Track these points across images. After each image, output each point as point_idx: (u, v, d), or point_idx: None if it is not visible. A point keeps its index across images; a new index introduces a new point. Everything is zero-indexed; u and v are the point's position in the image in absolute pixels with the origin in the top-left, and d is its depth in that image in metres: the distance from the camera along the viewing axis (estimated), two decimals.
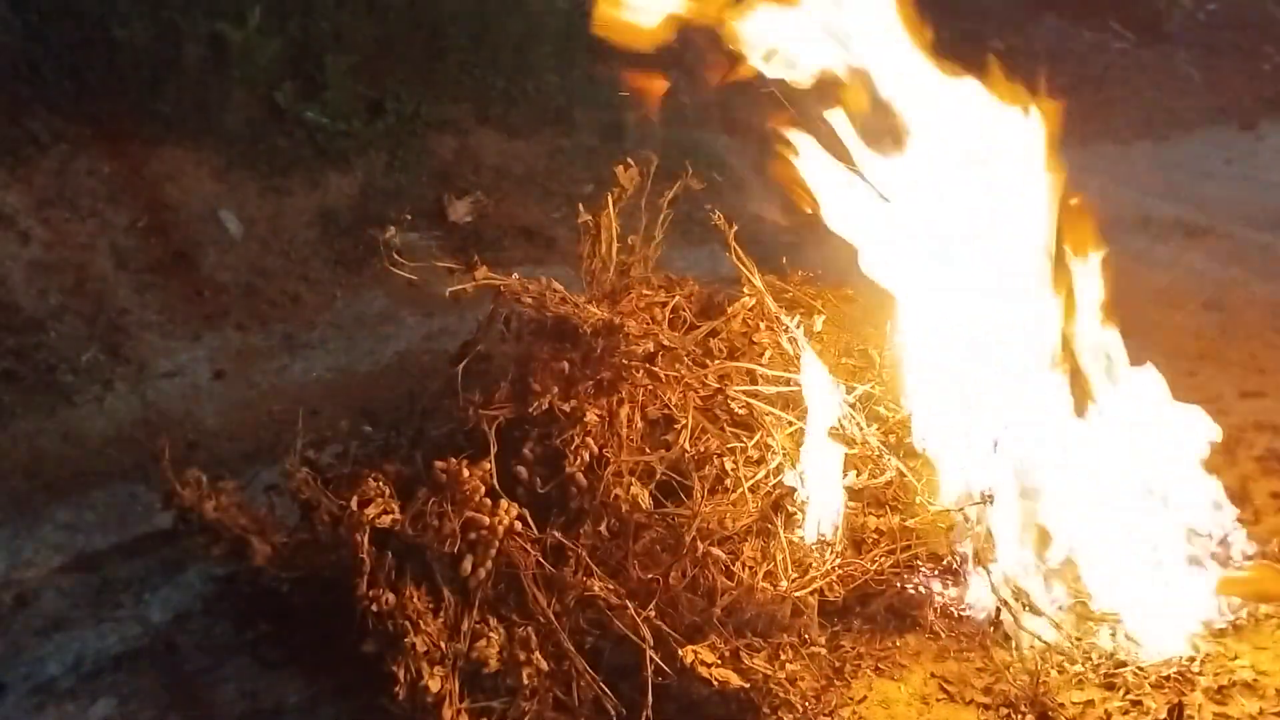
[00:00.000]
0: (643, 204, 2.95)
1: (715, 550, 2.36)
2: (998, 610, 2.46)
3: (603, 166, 3.06)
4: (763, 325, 2.87)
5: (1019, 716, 2.28)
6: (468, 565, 2.31)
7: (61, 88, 4.57)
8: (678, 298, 2.92)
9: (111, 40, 4.65)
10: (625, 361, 2.56)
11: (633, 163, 2.92)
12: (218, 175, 4.66)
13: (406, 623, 2.28)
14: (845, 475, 2.60)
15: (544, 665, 2.26)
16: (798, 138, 2.70)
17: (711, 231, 3.08)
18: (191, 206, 4.52)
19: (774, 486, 2.52)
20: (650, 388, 2.57)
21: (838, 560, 2.48)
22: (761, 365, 2.74)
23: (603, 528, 2.41)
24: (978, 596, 2.52)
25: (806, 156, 2.69)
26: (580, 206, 2.96)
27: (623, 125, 5.30)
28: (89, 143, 4.52)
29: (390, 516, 2.37)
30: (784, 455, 2.57)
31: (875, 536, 2.57)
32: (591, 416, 2.48)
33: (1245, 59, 7.41)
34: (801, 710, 2.25)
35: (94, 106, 4.59)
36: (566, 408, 2.52)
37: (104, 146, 4.54)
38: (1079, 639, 2.45)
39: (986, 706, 2.32)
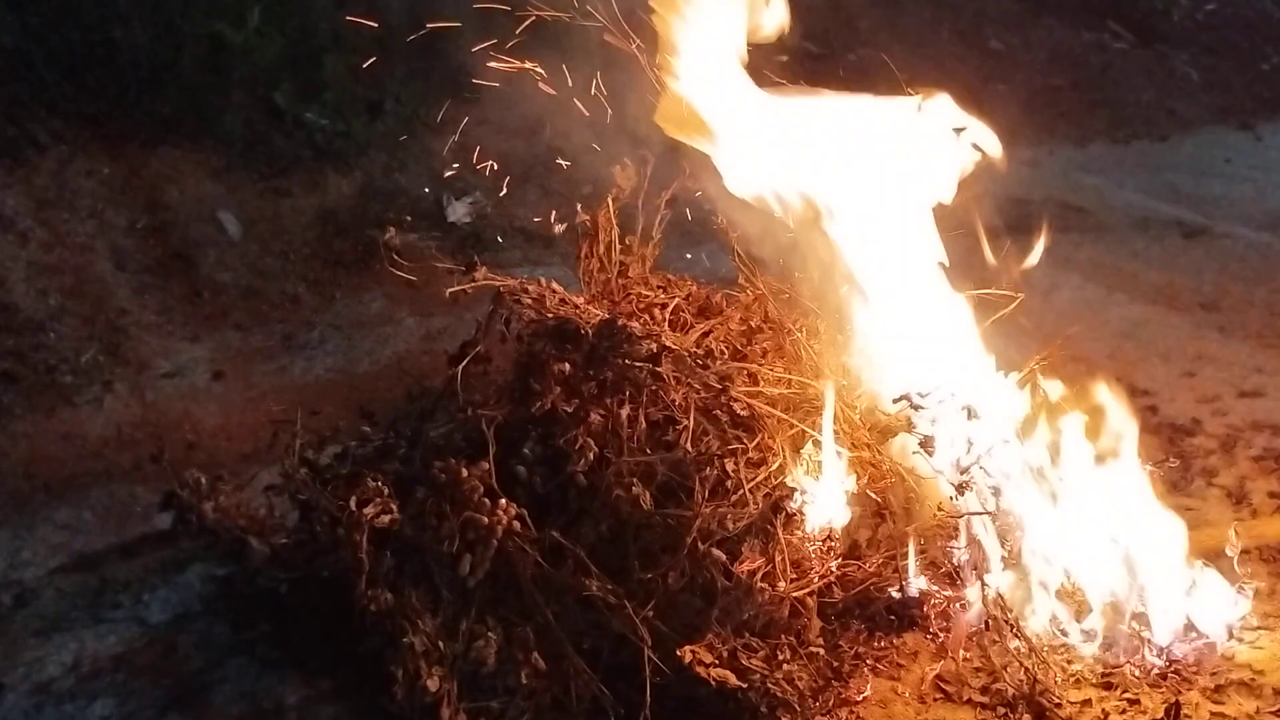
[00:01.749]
0: (639, 204, 2.95)
1: (715, 551, 2.36)
2: (988, 621, 2.46)
3: (601, 167, 3.06)
4: (765, 327, 2.87)
5: (1016, 716, 2.28)
6: (466, 565, 2.31)
7: (61, 89, 4.58)
8: (677, 299, 2.92)
9: (111, 41, 4.66)
10: (628, 362, 2.56)
11: (630, 163, 2.92)
12: (217, 176, 4.66)
13: (405, 622, 2.28)
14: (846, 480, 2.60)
15: (542, 665, 2.26)
16: None
17: (710, 231, 3.09)
18: (190, 207, 4.53)
19: (774, 488, 2.52)
20: (653, 389, 2.57)
21: (837, 561, 2.48)
22: (764, 366, 2.74)
23: (603, 528, 2.41)
24: (975, 598, 2.52)
25: None
26: (579, 207, 2.96)
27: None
28: (88, 144, 4.53)
29: (389, 516, 2.37)
30: (785, 457, 2.57)
31: (874, 544, 2.57)
32: (595, 417, 2.48)
33: (1244, 59, 7.42)
34: (799, 710, 2.25)
35: (93, 107, 4.60)
36: (569, 408, 2.52)
37: (103, 147, 4.55)
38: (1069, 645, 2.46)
39: (984, 706, 2.33)
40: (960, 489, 2.50)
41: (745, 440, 2.56)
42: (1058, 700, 2.29)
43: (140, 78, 4.68)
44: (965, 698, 2.35)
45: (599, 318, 2.65)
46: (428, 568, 2.36)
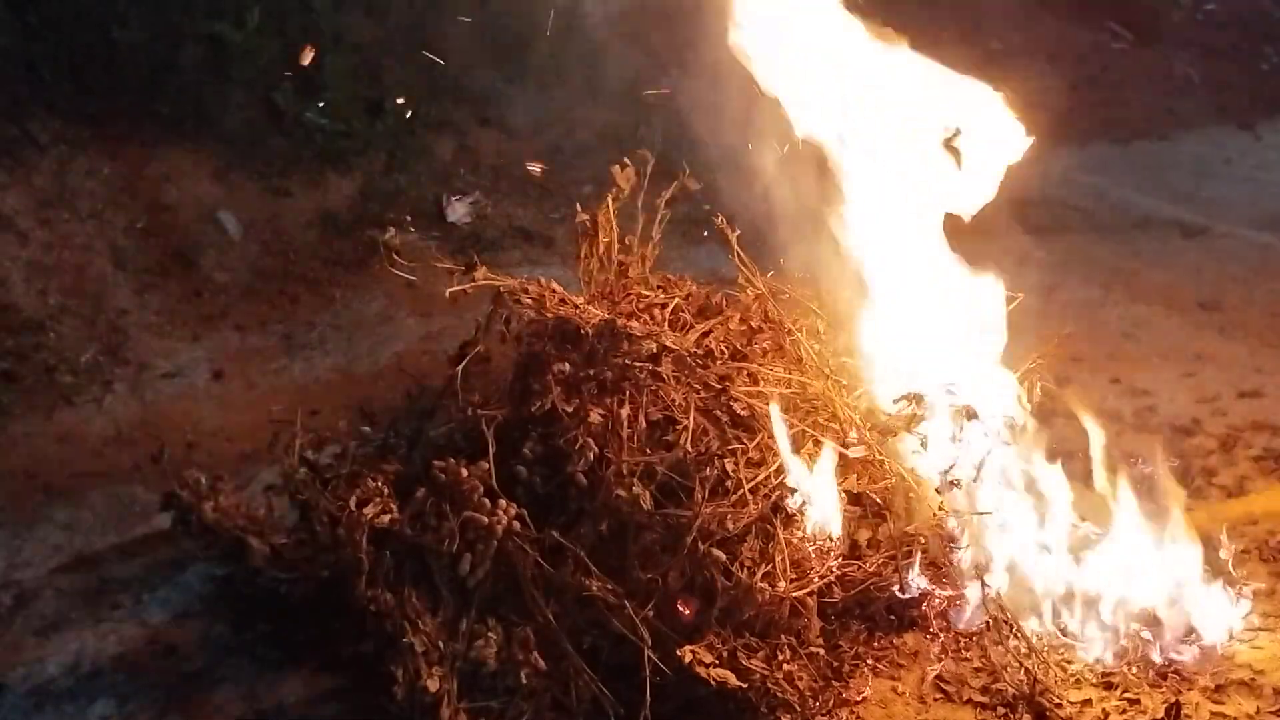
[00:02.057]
0: (639, 204, 2.95)
1: (715, 551, 2.36)
2: (989, 622, 2.47)
3: (601, 167, 3.06)
4: (765, 327, 2.87)
5: (1016, 716, 2.28)
6: (466, 565, 2.32)
7: (61, 89, 4.58)
8: (676, 299, 2.91)
9: (111, 41, 4.66)
10: (629, 363, 2.56)
11: (629, 163, 2.92)
12: (217, 176, 4.66)
13: (405, 622, 2.28)
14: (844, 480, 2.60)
15: (542, 665, 2.26)
16: None
17: (710, 231, 3.09)
18: (190, 207, 4.53)
19: (774, 488, 2.52)
20: (653, 389, 2.57)
21: (837, 561, 2.48)
22: (764, 367, 2.74)
23: (603, 528, 2.41)
24: (975, 598, 2.52)
25: None
26: (579, 207, 2.96)
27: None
28: (88, 144, 4.52)
29: (389, 516, 2.37)
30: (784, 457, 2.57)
31: (874, 544, 2.57)
32: (595, 417, 2.48)
33: (1244, 59, 7.41)
34: (799, 710, 2.25)
35: (93, 107, 4.59)
36: (569, 408, 2.52)
37: (103, 147, 4.55)
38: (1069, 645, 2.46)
39: (984, 706, 2.33)
40: (951, 485, 2.51)
41: (745, 440, 2.56)
42: (1058, 700, 2.29)
43: (140, 78, 4.67)
44: (965, 698, 2.35)
45: (599, 318, 2.65)
46: (428, 567, 2.36)
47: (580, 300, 2.78)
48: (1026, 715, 2.28)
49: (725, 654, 2.27)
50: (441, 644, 2.27)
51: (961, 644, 2.47)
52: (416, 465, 2.58)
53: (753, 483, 2.50)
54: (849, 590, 2.49)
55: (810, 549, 2.47)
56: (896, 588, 2.51)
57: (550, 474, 2.49)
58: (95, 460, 3.41)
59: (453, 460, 2.41)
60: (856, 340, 2.81)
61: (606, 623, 2.31)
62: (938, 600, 2.54)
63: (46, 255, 4.15)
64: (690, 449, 2.49)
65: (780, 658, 2.30)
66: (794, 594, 2.37)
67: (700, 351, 2.71)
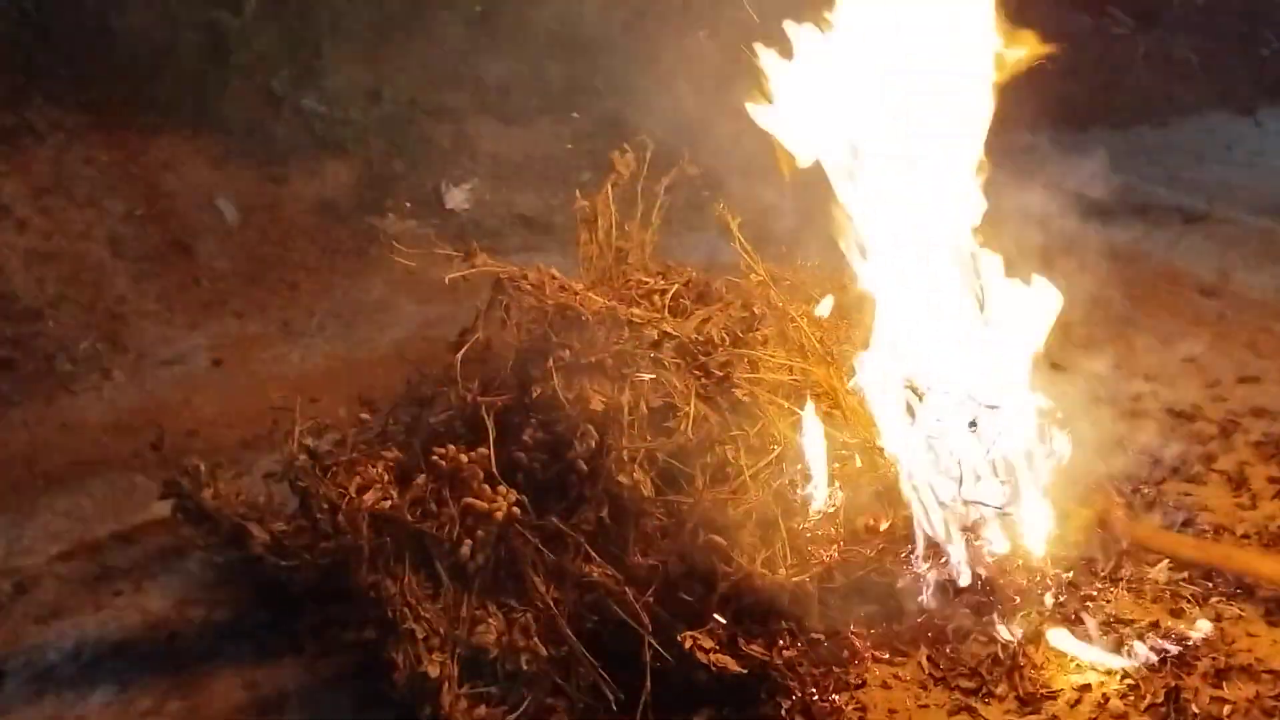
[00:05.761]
0: (639, 190, 2.94)
1: (715, 537, 2.36)
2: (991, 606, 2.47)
3: (600, 153, 3.05)
4: (767, 313, 2.87)
5: (1017, 700, 2.28)
6: (466, 551, 2.32)
7: (58, 76, 4.57)
8: (676, 285, 2.91)
9: (108, 28, 4.65)
10: (630, 349, 2.55)
11: (629, 149, 2.91)
12: (215, 163, 4.66)
13: (405, 608, 2.28)
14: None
15: (542, 651, 2.26)
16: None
17: (710, 218, 3.08)
18: (189, 195, 4.52)
19: (775, 475, 2.52)
20: (655, 375, 2.56)
21: (837, 547, 2.48)
22: (765, 354, 2.73)
23: (604, 514, 2.41)
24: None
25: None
26: (578, 193, 2.95)
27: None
28: (86, 131, 4.52)
29: (389, 502, 2.37)
30: (785, 443, 2.57)
31: (874, 530, 2.57)
32: (596, 403, 2.48)
33: (1244, 44, 7.39)
34: (799, 695, 2.26)
35: (91, 95, 4.59)
36: (570, 394, 2.52)
37: (101, 135, 4.54)
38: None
39: (984, 691, 2.33)
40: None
41: (746, 427, 2.56)
42: (1059, 685, 2.30)
43: (138, 65, 4.67)
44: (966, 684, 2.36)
45: (599, 304, 2.64)
46: (428, 554, 2.36)
47: (580, 287, 2.77)
48: (1026, 699, 2.28)
49: (725, 640, 2.28)
50: (442, 630, 2.27)
51: (963, 629, 2.47)
52: (416, 452, 2.57)
53: (753, 469, 2.50)
54: (849, 576, 2.49)
55: (810, 535, 2.47)
56: (897, 574, 2.51)
57: (551, 460, 2.48)
58: (95, 448, 3.41)
59: (453, 447, 2.41)
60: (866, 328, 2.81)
61: (607, 609, 2.31)
62: (938, 586, 2.54)
63: (44, 243, 4.15)
64: (691, 435, 2.49)
65: (780, 643, 2.31)
66: (794, 580, 2.38)
67: (701, 338, 2.71)
